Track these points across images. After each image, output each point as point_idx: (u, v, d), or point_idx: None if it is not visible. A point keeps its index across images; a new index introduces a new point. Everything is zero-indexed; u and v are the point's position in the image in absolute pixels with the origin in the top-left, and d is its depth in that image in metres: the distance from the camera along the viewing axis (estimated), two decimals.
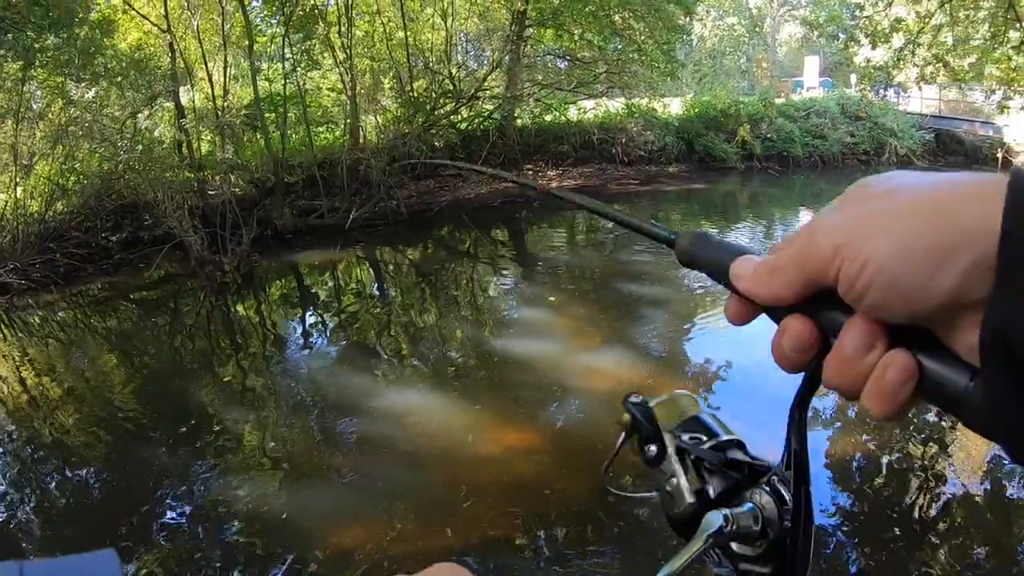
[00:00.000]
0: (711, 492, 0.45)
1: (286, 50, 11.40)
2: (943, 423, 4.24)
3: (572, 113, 15.84)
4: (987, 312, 0.26)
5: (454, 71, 13.60)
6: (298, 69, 11.91)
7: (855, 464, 3.87)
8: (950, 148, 18.43)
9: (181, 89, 11.29)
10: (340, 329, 6.87)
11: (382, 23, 13.16)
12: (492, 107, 14.21)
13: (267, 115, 11.62)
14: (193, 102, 11.58)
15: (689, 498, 0.46)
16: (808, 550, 0.41)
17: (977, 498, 3.55)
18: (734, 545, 0.44)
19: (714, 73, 24.02)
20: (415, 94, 12.90)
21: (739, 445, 0.46)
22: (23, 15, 8.64)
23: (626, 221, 0.49)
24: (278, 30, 11.91)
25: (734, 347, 5.37)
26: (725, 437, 0.46)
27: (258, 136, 11.87)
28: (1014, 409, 0.26)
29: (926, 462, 3.85)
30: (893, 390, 0.30)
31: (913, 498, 3.49)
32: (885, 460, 3.85)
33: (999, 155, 16.80)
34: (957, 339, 0.29)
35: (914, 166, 16.50)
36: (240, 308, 7.94)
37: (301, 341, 6.66)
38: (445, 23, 13.77)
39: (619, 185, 14.72)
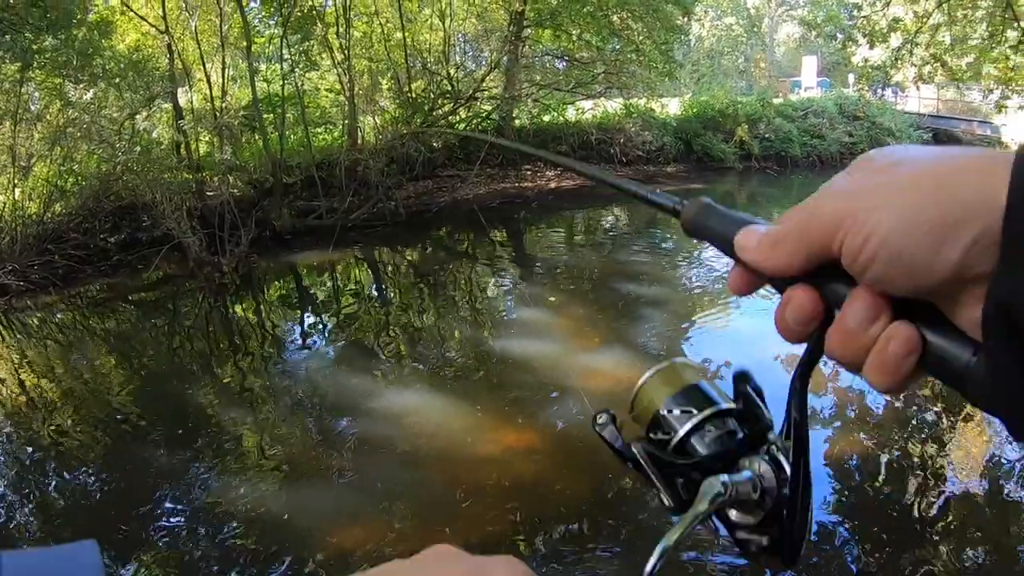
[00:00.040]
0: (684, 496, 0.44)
1: (284, 51, 11.40)
2: (943, 422, 4.25)
3: (570, 113, 15.87)
4: (991, 286, 0.27)
5: (452, 72, 13.61)
6: (296, 70, 11.91)
7: (855, 463, 3.87)
8: None
9: (179, 90, 11.28)
10: (339, 330, 6.87)
11: (380, 24, 13.15)
12: (490, 108, 14.23)
13: (265, 116, 11.60)
14: (191, 103, 11.55)
15: (668, 503, 0.45)
16: (806, 520, 0.41)
17: (977, 497, 3.55)
18: (732, 514, 0.44)
19: (712, 73, 24.09)
20: (413, 95, 12.91)
21: (737, 415, 0.46)
22: (21, 16, 8.63)
23: (633, 191, 0.50)
24: (276, 31, 11.93)
25: (733, 347, 5.38)
26: (724, 406, 0.46)
27: (256, 137, 11.85)
28: (1017, 383, 0.27)
29: (926, 461, 3.85)
30: (896, 363, 0.30)
31: (913, 497, 3.49)
32: (885, 459, 3.85)
33: None
34: (960, 313, 0.29)
35: None
36: (239, 309, 7.93)
37: (300, 342, 6.66)
38: (443, 24, 13.77)
39: None
